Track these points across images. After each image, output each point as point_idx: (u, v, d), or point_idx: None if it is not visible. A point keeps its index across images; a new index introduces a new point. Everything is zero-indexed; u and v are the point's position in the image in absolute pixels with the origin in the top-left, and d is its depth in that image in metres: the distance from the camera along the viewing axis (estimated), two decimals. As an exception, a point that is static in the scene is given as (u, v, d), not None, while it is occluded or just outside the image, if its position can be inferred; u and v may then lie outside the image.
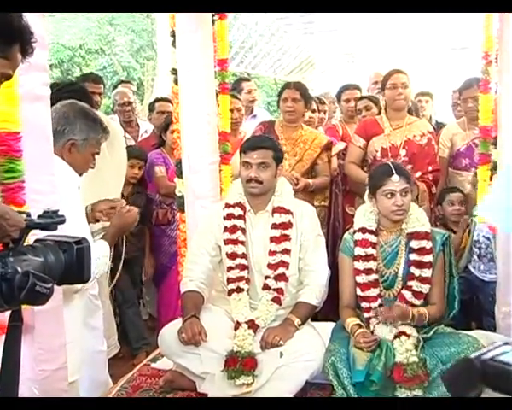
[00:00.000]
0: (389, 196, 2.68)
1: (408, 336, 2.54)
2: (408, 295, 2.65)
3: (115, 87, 5.25)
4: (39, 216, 1.47)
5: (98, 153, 2.42)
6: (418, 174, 3.59)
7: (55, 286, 1.46)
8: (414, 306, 2.63)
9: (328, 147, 3.91)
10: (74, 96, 2.61)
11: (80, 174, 2.35)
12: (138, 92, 13.67)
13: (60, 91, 2.69)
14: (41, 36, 1.68)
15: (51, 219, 1.46)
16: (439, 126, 4.68)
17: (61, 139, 2.26)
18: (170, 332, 2.72)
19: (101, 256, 2.25)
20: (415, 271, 2.67)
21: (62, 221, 1.46)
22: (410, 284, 2.67)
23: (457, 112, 4.54)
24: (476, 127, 3.70)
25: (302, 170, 3.77)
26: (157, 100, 4.75)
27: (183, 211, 3.35)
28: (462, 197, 3.65)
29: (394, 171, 2.68)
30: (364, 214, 2.79)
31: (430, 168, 3.64)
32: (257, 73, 9.93)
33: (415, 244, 2.68)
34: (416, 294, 2.64)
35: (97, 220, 2.50)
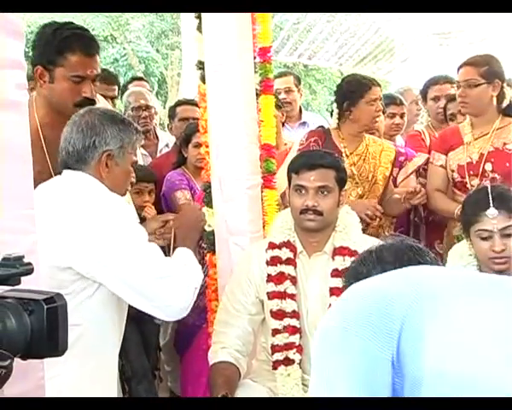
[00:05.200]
0: (485, 237, 2.60)
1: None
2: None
3: (124, 86, 5.32)
4: None
5: (136, 161, 2.66)
6: None
7: (36, 361, 1.44)
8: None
9: (398, 160, 3.91)
10: (80, 35, 2.82)
11: (123, 194, 2.56)
12: (160, 91, 13.93)
13: (59, 30, 2.81)
14: (13, 21, 1.68)
15: (14, 270, 1.43)
16: None
17: (93, 154, 2.44)
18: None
19: (193, 265, 2.52)
20: None
21: (29, 271, 1.43)
22: None
23: None
24: None
25: (377, 196, 3.74)
26: (179, 103, 4.79)
27: (213, 251, 3.35)
28: None
29: (491, 201, 2.60)
30: (462, 257, 2.71)
31: None
32: (315, 64, 9.95)
33: None
34: None
35: None
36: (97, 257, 2.31)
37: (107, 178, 2.46)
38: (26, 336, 1.36)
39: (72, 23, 3.02)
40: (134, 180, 2.66)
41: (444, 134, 3.88)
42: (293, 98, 5.28)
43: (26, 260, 1.43)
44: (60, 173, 2.53)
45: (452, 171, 3.64)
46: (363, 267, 1.75)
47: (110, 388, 2.53)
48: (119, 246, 2.34)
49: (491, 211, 2.59)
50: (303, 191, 2.82)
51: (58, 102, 2.76)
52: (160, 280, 2.36)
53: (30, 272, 1.43)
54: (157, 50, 14.49)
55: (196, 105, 4.61)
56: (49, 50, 2.69)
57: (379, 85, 3.90)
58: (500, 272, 2.64)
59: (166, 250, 2.70)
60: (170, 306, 2.40)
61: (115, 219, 2.37)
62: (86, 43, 2.81)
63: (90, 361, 2.39)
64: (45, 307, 1.38)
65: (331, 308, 1.57)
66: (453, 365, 1.33)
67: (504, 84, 3.57)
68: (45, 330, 1.37)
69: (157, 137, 4.91)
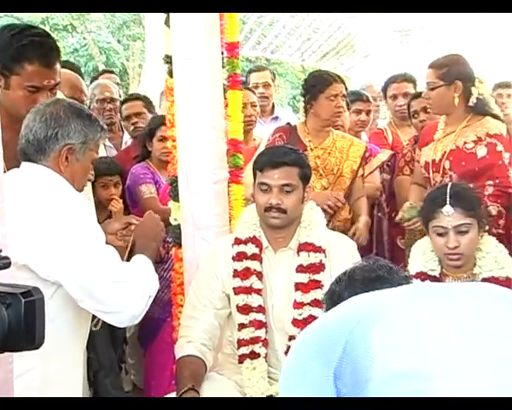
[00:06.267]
0: (440, 233, 2.67)
1: None
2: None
3: (94, 78, 5.31)
4: None
5: (96, 160, 2.60)
6: None
7: (5, 354, 1.44)
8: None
9: (366, 156, 4.01)
10: (39, 44, 2.69)
11: (80, 190, 2.46)
12: (121, 83, 13.82)
13: (18, 36, 2.70)
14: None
15: None
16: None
17: (54, 146, 2.35)
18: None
19: (149, 273, 2.45)
20: None
21: (6, 265, 1.44)
22: None
23: None
24: None
25: (344, 189, 3.82)
26: (123, 101, 4.79)
27: (179, 245, 3.37)
28: None
29: (448, 199, 2.67)
30: (424, 253, 2.77)
31: (490, 183, 3.49)
32: (278, 58, 9.96)
33: None
34: None
35: None
36: (52, 256, 2.25)
37: (65, 172, 2.38)
38: (4, 329, 1.37)
39: (33, 27, 2.92)
40: (92, 178, 2.61)
41: (424, 130, 3.95)
42: (270, 93, 5.34)
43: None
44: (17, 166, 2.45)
45: (421, 167, 3.72)
46: (337, 287, 1.90)
47: (73, 390, 2.48)
48: (76, 246, 2.27)
49: (447, 208, 2.67)
50: (267, 189, 2.84)
51: (12, 109, 2.63)
52: (115, 284, 2.30)
53: (7, 265, 1.45)
54: (118, 41, 14.38)
55: (140, 99, 4.64)
56: (6, 57, 2.55)
57: (342, 82, 3.94)
58: (454, 267, 2.73)
59: (125, 252, 2.68)
60: (122, 312, 2.34)
61: (73, 219, 2.30)
62: (45, 53, 2.69)
63: (52, 363, 2.32)
64: (23, 300, 1.39)
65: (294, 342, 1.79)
66: (397, 364, 1.45)
67: (476, 82, 3.59)
68: (22, 323, 1.39)
69: (122, 130, 4.88)
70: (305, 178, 2.91)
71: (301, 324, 2.76)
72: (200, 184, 3.25)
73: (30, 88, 2.64)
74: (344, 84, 3.96)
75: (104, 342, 3.77)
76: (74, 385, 2.51)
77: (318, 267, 2.82)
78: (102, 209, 3.84)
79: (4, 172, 2.35)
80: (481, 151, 3.53)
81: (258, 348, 2.79)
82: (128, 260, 2.52)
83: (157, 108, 4.93)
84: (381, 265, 1.91)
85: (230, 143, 3.37)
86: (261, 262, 2.88)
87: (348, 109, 4.37)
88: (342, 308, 1.68)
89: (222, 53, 3.34)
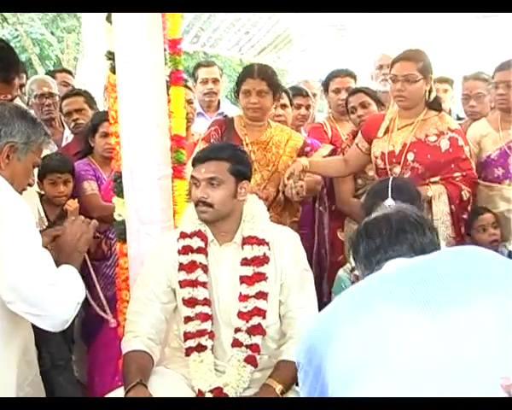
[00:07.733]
0: None
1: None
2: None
3: (51, 72, 5.31)
4: None
5: (38, 164, 2.62)
6: (436, 179, 3.65)
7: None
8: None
9: (304, 150, 4.05)
10: None
11: (20, 192, 2.46)
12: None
13: None
14: None
15: None
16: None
17: None
18: (107, 407, 2.71)
19: (78, 280, 2.49)
20: None
21: None
22: None
23: (469, 107, 4.65)
24: None
25: (278, 184, 3.88)
26: (64, 96, 4.77)
27: (124, 241, 3.38)
28: (494, 218, 3.79)
29: (390, 192, 2.78)
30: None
31: (458, 174, 3.66)
32: (217, 53, 9.95)
33: None
34: None
35: None
36: None
37: (5, 169, 2.41)
38: None
39: None
40: (33, 183, 2.64)
41: (371, 120, 4.00)
42: (218, 88, 5.40)
43: None
44: None
45: (376, 157, 3.78)
46: (355, 238, 2.01)
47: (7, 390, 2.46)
48: (10, 247, 2.27)
49: (389, 202, 2.75)
50: (196, 183, 2.86)
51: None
52: (49, 287, 2.32)
53: None
54: (52, 33, 14.16)
55: (79, 94, 4.65)
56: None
57: (259, 77, 3.89)
58: None
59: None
60: (53, 315, 2.35)
61: (9, 219, 2.30)
62: (5, 68, 2.73)
63: None
64: None
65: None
66: (338, 371, 1.64)
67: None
68: None
69: (63, 125, 4.86)
70: (239, 174, 2.90)
71: (246, 316, 2.82)
72: (145, 180, 3.26)
73: None
74: (262, 79, 3.87)
75: (58, 340, 3.75)
76: (8, 385, 2.49)
77: (262, 260, 2.86)
78: (52, 206, 3.84)
79: None
80: (444, 144, 3.67)
81: (204, 340, 2.83)
82: None
83: (103, 102, 4.92)
84: (401, 217, 1.95)
85: (174, 138, 3.40)
86: (206, 256, 2.91)
87: (291, 105, 4.44)
88: (317, 323, 1.83)
89: (164, 49, 3.37)
